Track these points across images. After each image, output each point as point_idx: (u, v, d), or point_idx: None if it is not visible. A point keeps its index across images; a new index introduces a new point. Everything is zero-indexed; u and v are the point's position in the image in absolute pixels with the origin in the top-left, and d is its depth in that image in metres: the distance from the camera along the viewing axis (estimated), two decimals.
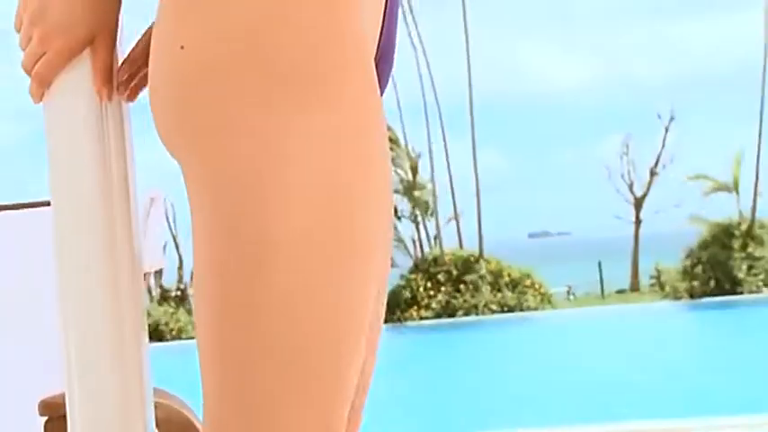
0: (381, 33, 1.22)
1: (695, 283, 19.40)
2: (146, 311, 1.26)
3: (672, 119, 25.70)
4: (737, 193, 22.00)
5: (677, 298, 19.53)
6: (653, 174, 25.93)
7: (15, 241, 2.47)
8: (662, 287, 21.58)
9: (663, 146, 25.62)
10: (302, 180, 1.01)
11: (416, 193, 21.18)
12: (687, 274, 19.68)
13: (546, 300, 19.78)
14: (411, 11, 21.57)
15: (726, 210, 21.47)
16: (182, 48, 1.04)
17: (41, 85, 1.19)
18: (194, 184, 1.05)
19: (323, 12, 1.04)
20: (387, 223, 1.13)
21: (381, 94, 1.24)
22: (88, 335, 1.18)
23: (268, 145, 1.01)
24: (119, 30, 1.21)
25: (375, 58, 1.19)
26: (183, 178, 1.08)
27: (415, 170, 21.40)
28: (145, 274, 2.20)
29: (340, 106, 1.04)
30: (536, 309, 19.33)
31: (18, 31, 1.20)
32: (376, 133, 1.08)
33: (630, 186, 26.24)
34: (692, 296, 19.31)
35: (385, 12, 1.22)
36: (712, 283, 19.37)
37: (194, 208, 1.06)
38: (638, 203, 26.28)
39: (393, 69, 1.30)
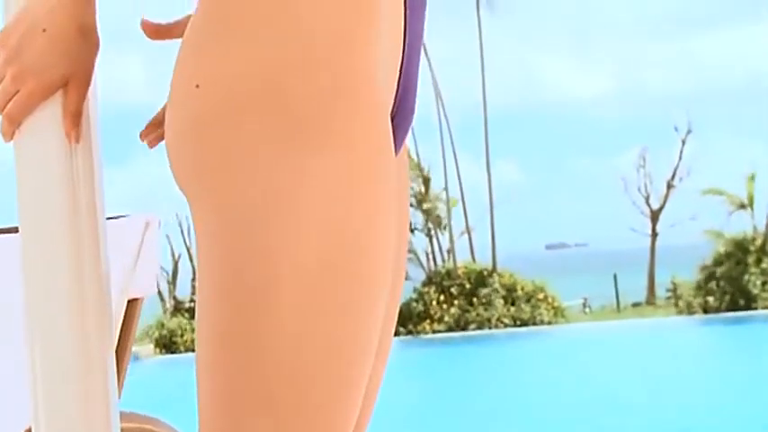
0: (399, 81, 1.21)
1: (710, 299, 19.28)
2: (114, 342, 1.27)
3: (689, 131, 25.61)
4: (752, 208, 21.87)
5: (691, 313, 19.41)
6: (669, 186, 25.84)
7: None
8: (678, 301, 21.48)
9: (680, 159, 25.54)
10: (310, 223, 1.02)
11: (429, 207, 21.14)
12: (701, 289, 19.57)
13: (559, 313, 19.70)
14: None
15: (741, 225, 21.38)
16: (197, 86, 1.06)
17: (12, 124, 1.20)
18: (203, 219, 1.07)
19: (338, 56, 1.06)
20: (393, 261, 1.13)
21: (401, 144, 1.26)
22: (54, 361, 1.18)
23: (278, 186, 1.02)
24: (93, 73, 1.22)
25: (393, 106, 1.20)
26: (191, 213, 1.09)
27: (427, 183, 21.38)
28: (138, 300, 2.17)
29: (352, 151, 1.05)
30: (549, 323, 19.25)
31: None
32: (386, 179, 1.09)
33: (647, 199, 26.15)
34: (705, 311, 19.18)
35: (403, 60, 1.21)
36: (727, 298, 19.25)
37: (201, 242, 1.07)
38: (655, 216, 26.18)
39: (414, 117, 1.30)
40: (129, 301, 2.07)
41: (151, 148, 1.28)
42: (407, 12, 1.20)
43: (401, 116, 1.23)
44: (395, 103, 1.20)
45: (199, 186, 1.07)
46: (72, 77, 1.19)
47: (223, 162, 1.04)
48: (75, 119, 1.20)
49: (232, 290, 1.03)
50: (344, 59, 1.06)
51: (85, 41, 1.20)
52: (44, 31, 1.18)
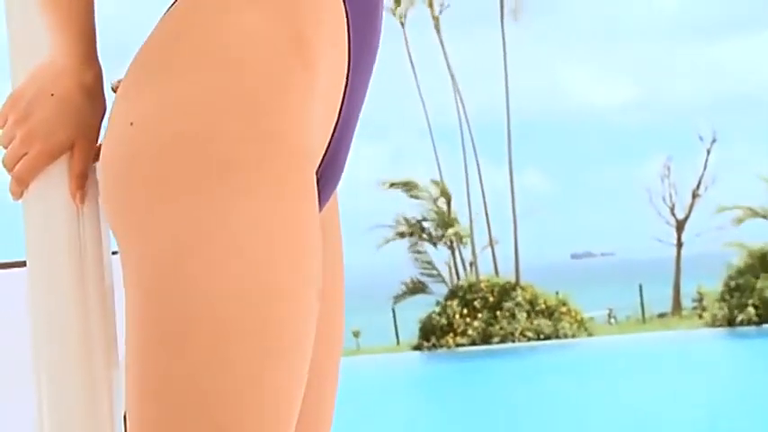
0: (331, 140, 1.22)
1: (734, 311, 19.06)
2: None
3: (714, 141, 25.45)
4: None
5: (717, 325, 19.19)
6: (695, 196, 25.68)
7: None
8: (704, 311, 21.29)
9: (705, 168, 25.38)
10: (230, 265, 1.03)
11: (451, 230, 21.06)
12: (725, 301, 19.33)
13: (583, 327, 19.55)
14: (439, 33, 21.46)
15: (765, 235, 21.12)
16: (131, 124, 1.08)
17: (20, 185, 1.23)
18: (126, 259, 1.09)
19: (268, 103, 1.07)
20: (315, 309, 1.11)
21: (325, 200, 1.26)
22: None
23: (201, 227, 1.04)
24: (99, 135, 1.25)
25: (321, 163, 1.20)
26: (119, 252, 1.11)
27: (449, 199, 21.30)
28: None
29: (276, 194, 1.05)
30: (573, 336, 19.12)
31: (1, 128, 1.24)
32: (309, 225, 1.09)
33: (672, 209, 26.01)
34: (730, 323, 18.96)
35: (338, 121, 1.22)
36: (752, 310, 19.02)
37: (125, 281, 1.09)
38: (680, 226, 26.02)
39: (341, 177, 1.30)
40: None
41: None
42: (350, 74, 1.21)
43: (328, 175, 1.23)
44: (323, 160, 1.20)
45: (125, 224, 1.08)
46: (78, 140, 1.22)
47: (149, 201, 1.06)
48: (81, 180, 1.23)
49: (151, 331, 1.04)
50: (275, 106, 1.07)
51: (92, 105, 1.23)
52: (52, 95, 1.21)
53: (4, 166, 1.24)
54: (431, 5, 21.15)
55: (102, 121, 1.25)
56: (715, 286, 20.54)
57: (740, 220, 22.34)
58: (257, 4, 1.11)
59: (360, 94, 1.26)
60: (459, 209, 21.46)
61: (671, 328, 21.58)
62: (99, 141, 1.25)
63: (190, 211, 1.03)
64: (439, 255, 21.34)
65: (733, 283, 19.49)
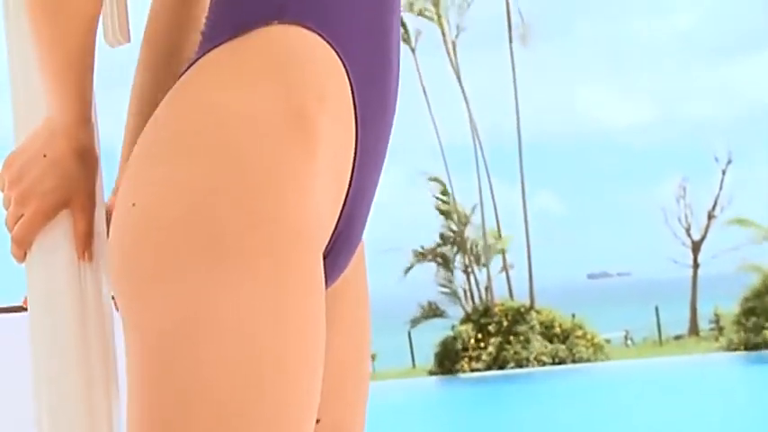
0: (339, 220, 1.22)
1: (751, 334, 18.86)
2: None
3: (729, 161, 25.39)
4: None
5: (733, 349, 19.00)
6: (710, 217, 25.60)
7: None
8: (721, 332, 21.15)
9: (720, 189, 25.31)
10: (229, 348, 1.02)
11: (466, 245, 21.04)
12: (742, 324, 19.14)
13: (598, 350, 19.45)
14: (454, 59, 21.49)
15: None
16: (133, 205, 1.09)
17: (20, 247, 1.24)
18: (127, 337, 1.09)
19: (269, 186, 1.07)
20: (317, 393, 1.11)
21: (337, 277, 1.27)
22: None
23: (200, 309, 1.03)
24: (96, 193, 1.26)
25: (328, 243, 1.20)
26: (123, 328, 1.11)
27: (464, 221, 21.28)
28: None
29: (277, 278, 1.05)
30: (588, 360, 19.02)
31: (1, 191, 1.26)
32: (313, 307, 1.08)
33: (688, 230, 25.92)
34: (746, 347, 18.77)
35: (346, 200, 1.22)
36: (766, 333, 18.80)
37: (127, 355, 1.09)
38: (696, 247, 25.93)
39: (358, 244, 1.31)
40: None
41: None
42: (359, 144, 1.21)
43: (340, 246, 1.23)
44: (334, 232, 1.20)
45: (127, 302, 1.09)
46: (74, 199, 1.23)
47: (150, 281, 1.06)
48: (87, 239, 1.24)
49: (151, 409, 1.05)
50: (274, 190, 1.07)
51: (84, 164, 1.24)
52: (44, 156, 1.22)
53: (7, 227, 1.25)
54: (443, 30, 21.20)
55: (95, 178, 1.26)
56: (732, 308, 20.39)
57: (757, 241, 22.21)
58: (256, 82, 1.12)
59: (373, 164, 1.25)
60: (473, 232, 21.44)
61: (688, 351, 21.46)
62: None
63: (189, 294, 1.04)
64: (455, 278, 21.31)
65: (749, 306, 19.30)
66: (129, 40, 1.43)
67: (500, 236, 21.28)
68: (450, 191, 21.36)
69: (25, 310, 1.43)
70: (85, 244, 1.24)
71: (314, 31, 1.16)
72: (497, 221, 21.23)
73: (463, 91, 21.45)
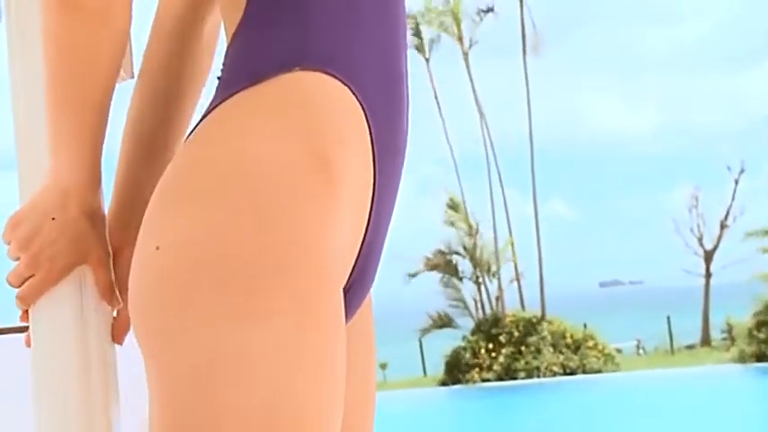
0: (359, 257, 1.24)
1: (763, 345, 18.71)
2: None
3: (742, 171, 25.30)
4: None
5: (745, 361, 18.86)
6: (723, 227, 25.51)
7: None
8: (733, 342, 21.03)
9: (733, 198, 25.23)
10: (253, 391, 1.03)
11: (477, 254, 21.01)
12: (753, 337, 18.98)
13: (610, 361, 19.39)
14: (468, 67, 21.49)
15: None
16: (157, 248, 1.10)
17: (25, 305, 1.26)
18: (151, 381, 1.10)
19: (292, 230, 1.08)
20: (338, 427, 1.12)
21: (353, 314, 1.29)
22: None
23: (224, 353, 1.04)
24: (107, 249, 1.28)
25: (348, 279, 1.22)
26: (145, 372, 1.13)
27: (475, 230, 21.25)
28: None
29: (300, 320, 1.06)
30: (599, 371, 18.96)
31: (6, 242, 1.26)
32: (334, 349, 1.10)
33: (700, 239, 25.84)
34: (759, 359, 18.64)
35: (365, 238, 1.24)
36: None
37: (150, 403, 1.10)
38: (708, 257, 25.85)
39: (373, 280, 1.33)
40: None
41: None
42: (377, 184, 1.23)
43: (355, 290, 1.26)
44: (351, 276, 1.22)
45: (150, 345, 1.10)
46: (90, 254, 1.25)
47: (174, 324, 1.07)
48: (111, 289, 1.27)
49: None
50: (299, 232, 1.08)
51: (93, 226, 1.25)
52: (53, 219, 1.23)
53: (10, 284, 1.26)
54: (460, 41, 21.24)
55: (105, 238, 1.28)
56: (744, 318, 20.30)
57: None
58: (277, 128, 1.13)
59: (389, 199, 1.28)
60: (485, 242, 21.42)
61: (700, 360, 21.38)
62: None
63: (212, 337, 1.05)
64: (465, 289, 21.28)
65: (761, 318, 19.13)
66: (132, 76, 1.46)
67: (513, 246, 21.24)
68: (461, 200, 21.33)
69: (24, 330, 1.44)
70: (112, 293, 1.27)
71: (331, 75, 1.18)
72: (510, 231, 21.19)
73: (477, 99, 21.45)
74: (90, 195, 1.25)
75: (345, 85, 1.19)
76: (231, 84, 1.18)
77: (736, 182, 25.19)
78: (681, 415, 14.10)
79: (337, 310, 1.11)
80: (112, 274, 1.28)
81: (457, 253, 21.27)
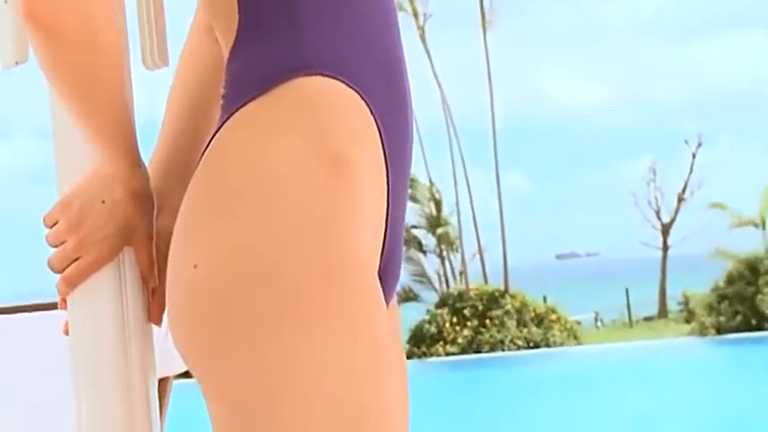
0: (384, 244, 1.26)
1: (722, 318, 18.89)
2: None
3: (699, 144, 25.48)
4: (764, 228, 21.30)
5: (704, 334, 19.05)
6: (680, 200, 25.71)
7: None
8: (690, 314, 21.23)
9: (690, 171, 25.41)
10: (316, 404, 1.05)
11: (440, 229, 21.05)
12: (713, 309, 19.15)
13: (572, 335, 19.54)
14: (424, 42, 21.46)
15: (753, 242, 20.97)
16: (195, 267, 1.11)
17: (70, 287, 1.26)
18: (210, 402, 1.11)
19: (328, 240, 1.10)
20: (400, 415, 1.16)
21: (390, 298, 1.30)
22: None
23: (279, 369, 1.05)
24: (153, 231, 1.29)
25: (378, 270, 1.23)
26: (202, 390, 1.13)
27: (438, 205, 21.30)
28: (168, 379, 2.17)
29: (348, 328, 1.08)
30: (562, 344, 19.12)
31: (48, 227, 1.27)
32: (384, 349, 1.12)
33: (657, 212, 26.04)
34: (718, 331, 18.84)
35: (387, 223, 1.26)
36: (739, 318, 18.84)
37: (212, 422, 1.11)
38: (666, 230, 26.07)
39: (400, 273, 1.35)
40: (159, 381, 2.08)
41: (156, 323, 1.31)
42: (390, 179, 1.25)
43: (387, 277, 1.27)
44: (380, 263, 1.24)
45: (201, 368, 1.11)
46: (135, 238, 1.26)
47: (221, 344, 1.08)
48: (151, 270, 1.28)
49: None
50: (334, 242, 1.10)
51: (142, 209, 1.27)
52: (103, 202, 1.24)
53: (51, 267, 1.27)
54: (415, 15, 21.16)
55: (153, 219, 1.29)
56: (701, 290, 20.45)
57: (727, 225, 22.25)
58: (293, 133, 1.15)
59: (403, 194, 1.30)
60: (447, 215, 21.47)
61: (658, 333, 21.57)
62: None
63: (264, 354, 1.06)
64: (428, 263, 21.33)
65: (719, 292, 19.24)
66: (167, 63, 1.45)
67: (475, 221, 21.30)
68: (425, 174, 21.34)
69: (22, 310, 1.48)
70: (151, 273, 1.28)
71: (337, 79, 1.20)
72: (472, 206, 21.25)
73: (436, 76, 21.41)
74: (133, 179, 1.26)
75: (350, 86, 1.21)
76: (237, 97, 1.20)
77: (694, 155, 25.40)
78: (643, 388, 14.28)
79: (380, 306, 1.14)
80: (154, 254, 1.29)
81: (420, 227, 21.31)
